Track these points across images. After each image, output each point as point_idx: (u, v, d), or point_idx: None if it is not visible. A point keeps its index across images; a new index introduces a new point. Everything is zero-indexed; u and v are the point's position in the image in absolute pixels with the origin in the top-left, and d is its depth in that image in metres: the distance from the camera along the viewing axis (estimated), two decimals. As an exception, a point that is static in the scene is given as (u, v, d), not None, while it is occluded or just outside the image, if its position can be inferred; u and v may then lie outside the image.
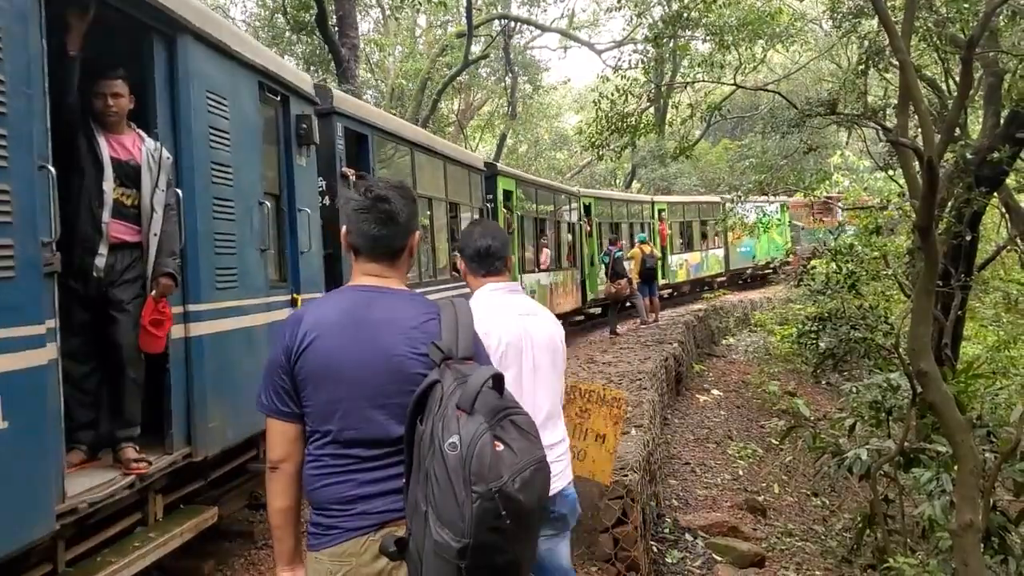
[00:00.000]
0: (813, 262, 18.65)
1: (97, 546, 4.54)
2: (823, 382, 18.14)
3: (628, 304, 19.76)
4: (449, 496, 2.15)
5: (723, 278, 30.96)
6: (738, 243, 31.10)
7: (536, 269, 17.90)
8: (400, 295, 2.64)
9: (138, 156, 4.91)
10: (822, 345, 15.75)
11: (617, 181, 41.24)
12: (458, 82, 29.48)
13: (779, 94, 21.17)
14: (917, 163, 10.43)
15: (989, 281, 19.28)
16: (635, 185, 37.73)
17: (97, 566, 4.37)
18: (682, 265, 27.47)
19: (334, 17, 19.48)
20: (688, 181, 33.42)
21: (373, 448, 2.50)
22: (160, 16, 5.07)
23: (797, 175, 19.71)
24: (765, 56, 22.15)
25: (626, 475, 6.66)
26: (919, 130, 11.28)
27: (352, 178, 8.65)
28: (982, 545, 5.94)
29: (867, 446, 7.99)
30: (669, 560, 7.66)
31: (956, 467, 6.07)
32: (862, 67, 14.15)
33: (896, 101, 12.17)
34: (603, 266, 19.65)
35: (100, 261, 4.80)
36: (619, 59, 23.13)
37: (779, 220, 28.29)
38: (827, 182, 20.89)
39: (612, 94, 17.78)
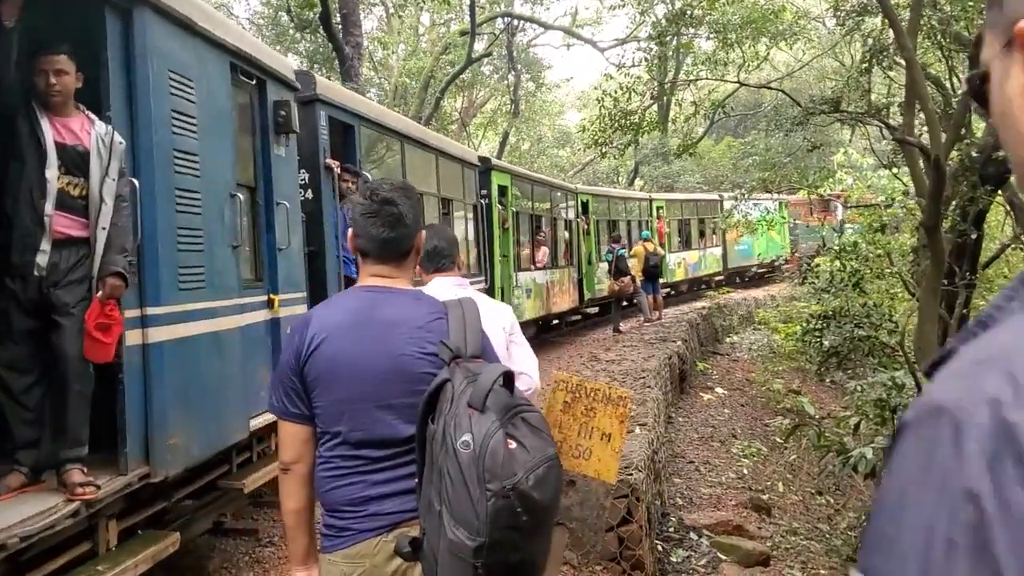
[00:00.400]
0: (817, 260, 18.12)
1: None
2: (827, 380, 17.71)
3: (631, 302, 19.13)
4: (463, 495, 2.11)
5: (721, 277, 30.21)
6: (736, 242, 30.42)
7: (532, 267, 17.15)
8: (407, 295, 2.60)
9: (86, 141, 4.23)
10: (826, 343, 15.28)
11: (620, 179, 40.57)
12: (461, 80, 28.83)
13: (783, 92, 20.65)
14: (923, 162, 10.20)
15: (993, 279, 18.87)
16: (638, 183, 37.26)
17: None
18: (680, 264, 26.66)
19: (338, 15, 19.17)
20: (691, 179, 32.89)
21: (383, 448, 2.47)
22: (114, -15, 4.40)
23: (800, 173, 19.45)
24: (768, 54, 21.73)
25: (631, 474, 6.51)
26: (924, 128, 11.07)
27: (336, 170, 8.05)
28: None
29: (872, 444, 7.78)
30: (674, 559, 7.57)
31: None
32: (866, 65, 13.98)
33: (901, 99, 11.97)
34: (606, 263, 19.21)
35: (42, 259, 4.13)
36: (622, 57, 22.57)
37: (782, 218, 27.70)
38: (831, 180, 20.34)
39: (615, 92, 17.52)
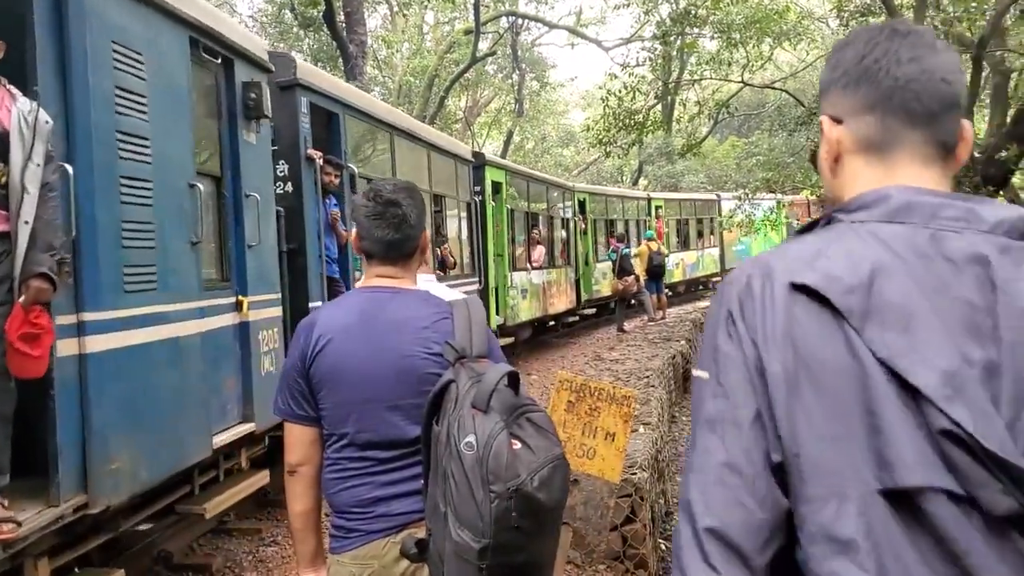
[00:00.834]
0: None
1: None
2: None
3: (636, 301, 18.49)
4: (467, 496, 2.03)
5: (718, 278, 29.45)
6: (733, 242, 29.68)
7: (528, 267, 16.32)
8: (412, 295, 2.52)
9: (6, 120, 3.49)
10: None
11: (624, 178, 40.11)
12: (465, 79, 28.01)
13: (786, 92, 20.31)
14: None
15: None
16: (642, 182, 36.79)
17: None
18: (679, 264, 25.85)
19: (342, 13, 18.52)
20: (695, 178, 32.30)
21: (390, 450, 2.40)
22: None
23: (804, 173, 18.95)
24: (772, 54, 21.16)
25: (635, 473, 6.30)
26: None
27: (319, 162, 7.25)
28: None
29: None
30: (677, 558, 6.97)
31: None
32: None
33: None
34: (610, 263, 18.73)
35: (-48, 257, 3.42)
36: (627, 56, 21.99)
37: (786, 218, 27.03)
38: None
39: (619, 91, 16.95)
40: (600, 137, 17.49)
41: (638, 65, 19.03)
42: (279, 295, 6.27)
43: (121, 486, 4.03)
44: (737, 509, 1.06)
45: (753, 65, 19.53)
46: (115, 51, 4.13)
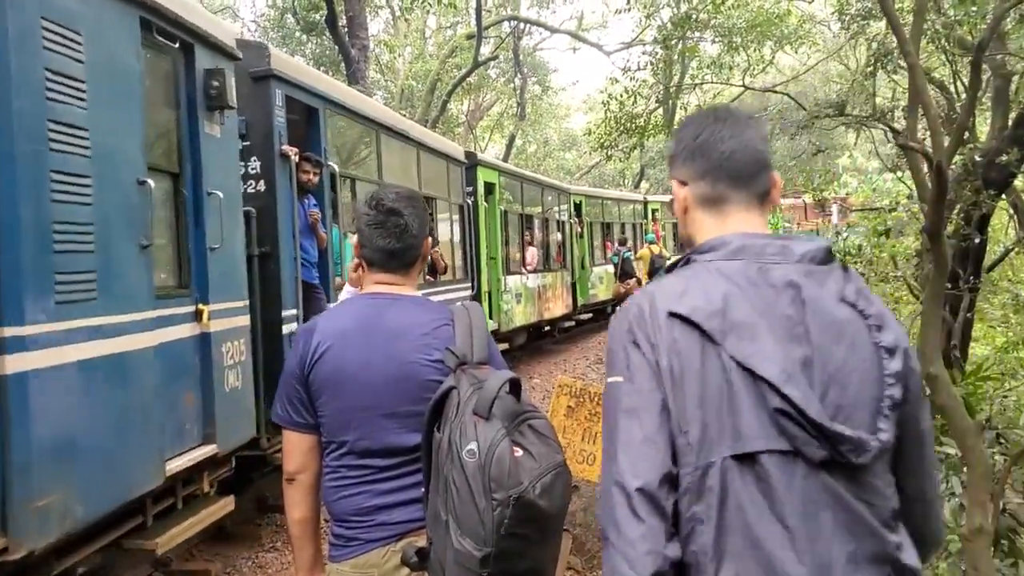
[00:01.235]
0: None
1: None
2: None
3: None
4: (469, 504, 1.98)
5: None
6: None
7: (523, 271, 15.66)
8: (413, 302, 2.44)
9: None
10: None
11: (626, 181, 39.92)
12: (468, 83, 27.54)
13: (788, 95, 19.74)
14: (926, 166, 9.36)
15: (997, 283, 18.02)
16: (644, 185, 36.55)
17: None
18: (676, 269, 25.55)
19: (344, 18, 18.07)
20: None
21: (389, 457, 2.31)
22: None
23: (805, 176, 18.58)
24: (773, 58, 20.97)
25: None
26: (928, 132, 10.31)
27: (295, 158, 6.65)
28: (992, 549, 5.41)
29: None
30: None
31: (965, 470, 5.72)
32: (870, 69, 13.43)
33: (905, 103, 11.27)
34: (612, 266, 18.52)
35: None
36: (628, 61, 21.69)
37: (787, 222, 26.71)
38: (835, 183, 19.57)
39: (621, 95, 16.59)
40: (601, 141, 17.07)
41: (639, 69, 18.70)
42: (246, 303, 5.68)
43: (50, 526, 3.46)
44: (656, 472, 1.45)
45: (754, 69, 19.28)
46: (45, 28, 3.57)
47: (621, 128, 16.56)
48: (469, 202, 12.79)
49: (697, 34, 17.77)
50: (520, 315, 14.91)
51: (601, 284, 19.84)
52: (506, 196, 15.06)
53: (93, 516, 3.82)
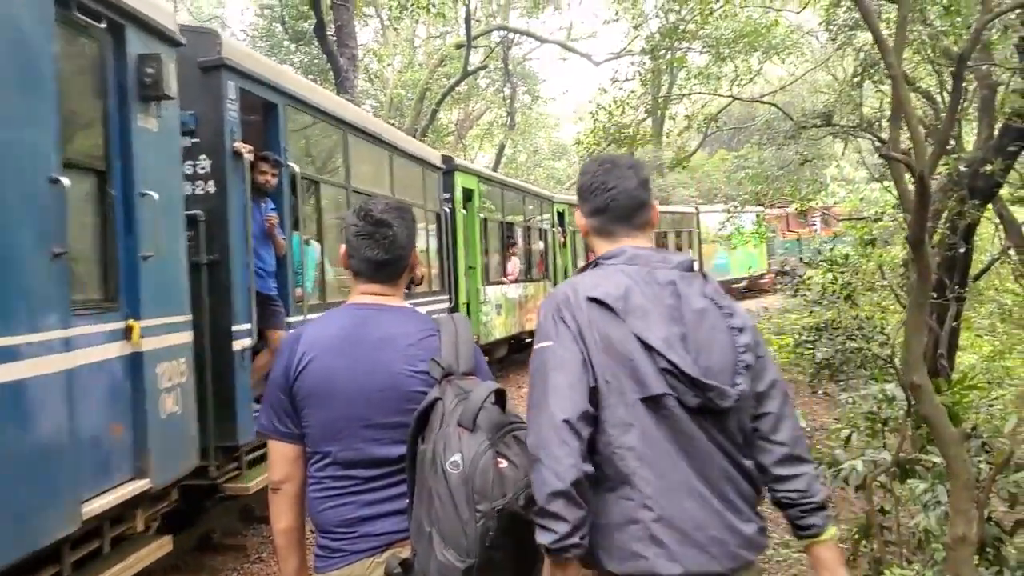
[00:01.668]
0: (808, 272, 17.42)
1: None
2: (820, 392, 16.92)
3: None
4: (452, 516, 2.04)
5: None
6: (712, 255, 29.19)
7: (503, 281, 15.23)
8: (399, 312, 2.47)
9: None
10: (819, 355, 14.53)
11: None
12: (457, 92, 27.65)
13: (775, 106, 19.79)
14: (909, 176, 9.51)
15: (984, 292, 18.17)
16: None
17: None
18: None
19: (333, 27, 18.16)
20: (686, 192, 32.11)
21: (373, 468, 2.33)
22: None
23: (793, 186, 18.73)
24: (761, 68, 21.00)
25: None
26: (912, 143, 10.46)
27: (249, 157, 6.12)
28: (976, 557, 5.61)
29: (863, 457, 7.11)
30: (663, 572, 6.84)
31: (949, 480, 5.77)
32: (857, 79, 13.60)
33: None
34: None
35: None
36: (616, 71, 21.87)
37: (773, 232, 26.77)
38: (823, 193, 19.69)
39: (609, 106, 16.62)
40: (591, 150, 16.88)
41: (628, 80, 18.86)
42: (188, 317, 5.12)
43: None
44: (577, 409, 2.02)
45: (742, 79, 19.28)
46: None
47: (610, 138, 16.57)
48: (447, 209, 12.22)
49: (685, 44, 17.91)
50: (500, 327, 14.58)
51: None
52: (486, 204, 14.63)
53: (-5, 567, 3.35)
